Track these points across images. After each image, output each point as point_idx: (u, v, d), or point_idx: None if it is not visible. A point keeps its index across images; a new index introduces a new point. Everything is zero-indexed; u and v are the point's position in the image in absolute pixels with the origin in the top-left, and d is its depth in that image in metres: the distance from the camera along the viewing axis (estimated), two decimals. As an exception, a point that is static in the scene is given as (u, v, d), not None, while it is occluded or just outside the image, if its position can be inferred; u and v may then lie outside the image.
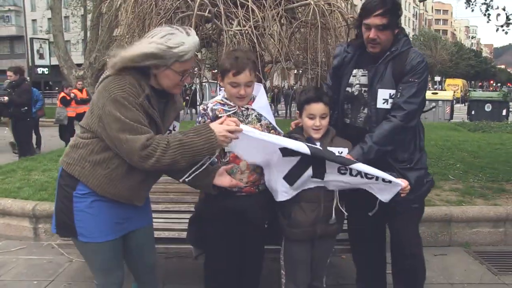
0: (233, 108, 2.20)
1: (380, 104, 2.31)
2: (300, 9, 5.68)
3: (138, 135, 1.74)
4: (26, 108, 7.90)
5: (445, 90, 33.76)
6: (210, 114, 2.20)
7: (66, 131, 9.70)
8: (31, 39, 24.62)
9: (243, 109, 2.22)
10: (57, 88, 18.85)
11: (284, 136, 2.23)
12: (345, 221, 2.53)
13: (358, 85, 2.41)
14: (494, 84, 70.37)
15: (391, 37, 2.30)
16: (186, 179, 2.03)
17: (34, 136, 8.80)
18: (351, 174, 2.08)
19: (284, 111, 20.37)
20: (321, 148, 2.10)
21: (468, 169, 5.47)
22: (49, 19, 17.83)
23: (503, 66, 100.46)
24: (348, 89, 2.43)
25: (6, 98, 7.80)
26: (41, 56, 23.23)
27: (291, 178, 2.13)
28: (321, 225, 2.24)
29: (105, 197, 1.89)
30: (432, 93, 18.51)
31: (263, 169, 2.21)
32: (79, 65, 14.36)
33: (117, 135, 1.75)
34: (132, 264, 2.20)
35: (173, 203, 3.41)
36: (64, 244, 3.70)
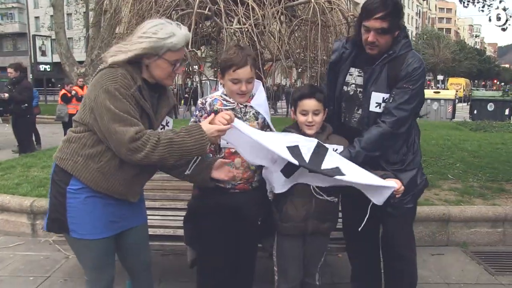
0: (232, 105, 2.20)
1: (372, 107, 2.27)
2: (300, 7, 5.68)
3: (127, 127, 1.74)
4: (26, 105, 7.90)
5: (448, 89, 33.65)
6: (208, 108, 2.20)
7: (67, 129, 9.68)
8: (34, 36, 24.63)
9: (242, 106, 2.21)
10: (59, 85, 18.87)
11: (282, 131, 2.22)
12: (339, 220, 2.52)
13: (353, 85, 2.38)
14: (497, 83, 69.98)
15: (390, 40, 2.23)
16: (186, 173, 2.04)
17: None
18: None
19: (286, 109, 20.33)
20: (306, 161, 2.02)
21: (468, 168, 5.43)
22: (51, 16, 17.87)
23: (507, 65, 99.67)
24: (344, 87, 2.41)
25: (6, 95, 7.81)
26: (44, 53, 23.22)
27: (288, 171, 2.11)
28: (313, 221, 2.24)
29: (99, 193, 1.88)
30: (434, 92, 18.46)
31: (257, 166, 2.20)
32: (81, 62, 14.35)
33: (107, 125, 1.76)
34: (127, 263, 2.20)
35: (170, 200, 3.40)
36: (61, 240, 3.65)
